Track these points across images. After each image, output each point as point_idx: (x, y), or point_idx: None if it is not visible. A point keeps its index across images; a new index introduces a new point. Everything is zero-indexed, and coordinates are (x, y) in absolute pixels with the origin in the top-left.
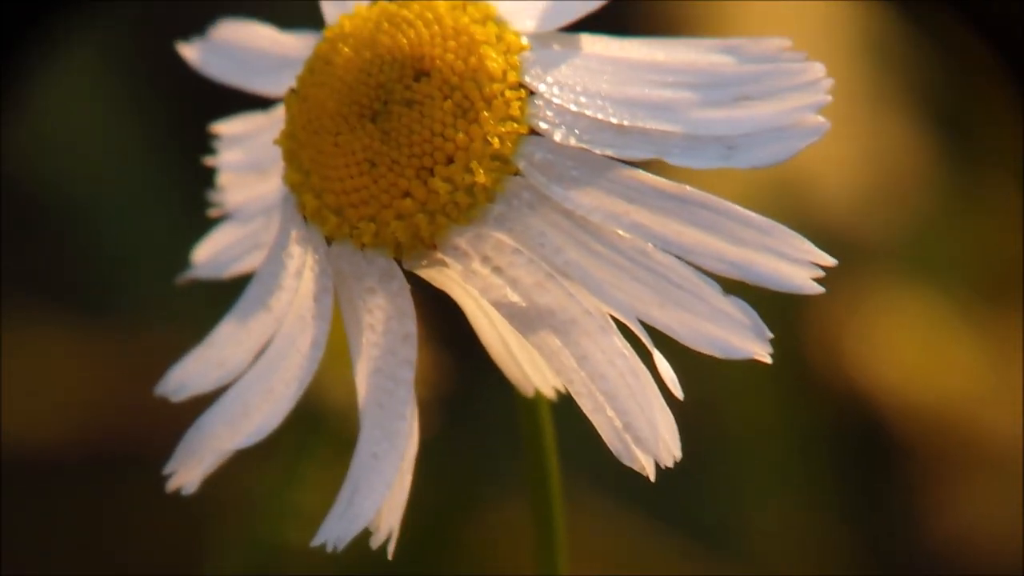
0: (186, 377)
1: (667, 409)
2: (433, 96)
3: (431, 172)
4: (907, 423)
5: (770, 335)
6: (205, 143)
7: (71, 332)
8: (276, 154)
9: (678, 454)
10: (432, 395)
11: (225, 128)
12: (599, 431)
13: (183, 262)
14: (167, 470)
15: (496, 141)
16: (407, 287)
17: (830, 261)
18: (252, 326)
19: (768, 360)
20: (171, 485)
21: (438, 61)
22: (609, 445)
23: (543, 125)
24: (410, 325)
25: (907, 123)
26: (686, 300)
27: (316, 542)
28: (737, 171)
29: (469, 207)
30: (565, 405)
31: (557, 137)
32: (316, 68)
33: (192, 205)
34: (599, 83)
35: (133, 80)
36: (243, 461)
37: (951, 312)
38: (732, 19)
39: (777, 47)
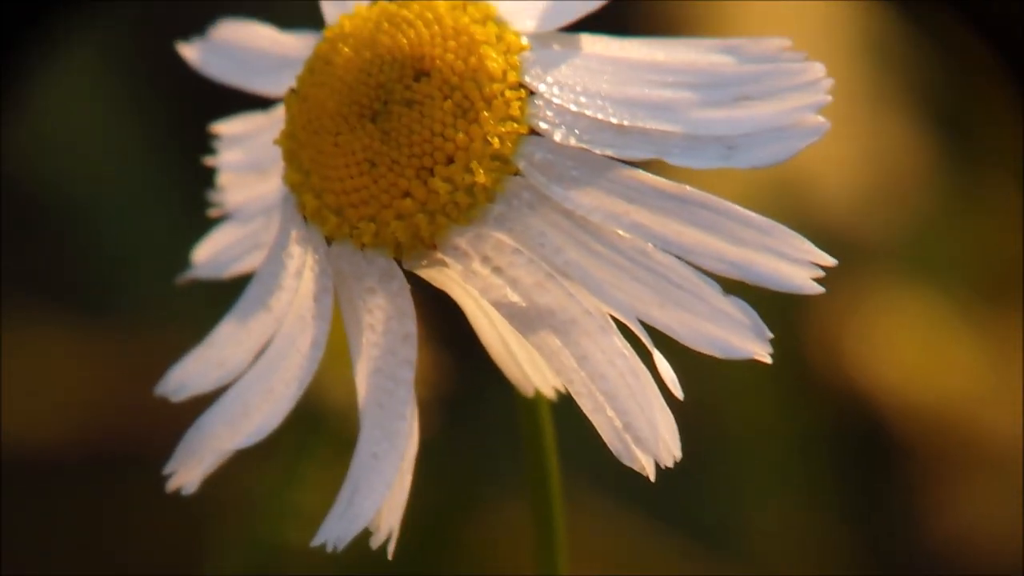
0: (186, 377)
1: (667, 409)
2: (433, 96)
3: (431, 172)
4: (907, 423)
5: (770, 335)
6: (205, 143)
7: (71, 332)
8: (276, 154)
9: (678, 454)
10: (432, 395)
11: (225, 128)
12: (599, 431)
13: (183, 262)
14: (167, 470)
15: (496, 141)
16: (407, 287)
17: (830, 261)
18: (252, 326)
19: (768, 360)
20: (171, 485)
21: (438, 61)
22: (609, 445)
23: (543, 125)
24: (410, 325)
25: (907, 123)
26: (686, 300)
27: (316, 542)
28: (737, 171)
29: (469, 207)
30: (565, 405)
31: (557, 137)
32: (316, 68)
33: (192, 205)
34: (599, 83)
35: (133, 80)
36: (243, 461)
37: (951, 312)
38: (732, 19)
39: (777, 47)
